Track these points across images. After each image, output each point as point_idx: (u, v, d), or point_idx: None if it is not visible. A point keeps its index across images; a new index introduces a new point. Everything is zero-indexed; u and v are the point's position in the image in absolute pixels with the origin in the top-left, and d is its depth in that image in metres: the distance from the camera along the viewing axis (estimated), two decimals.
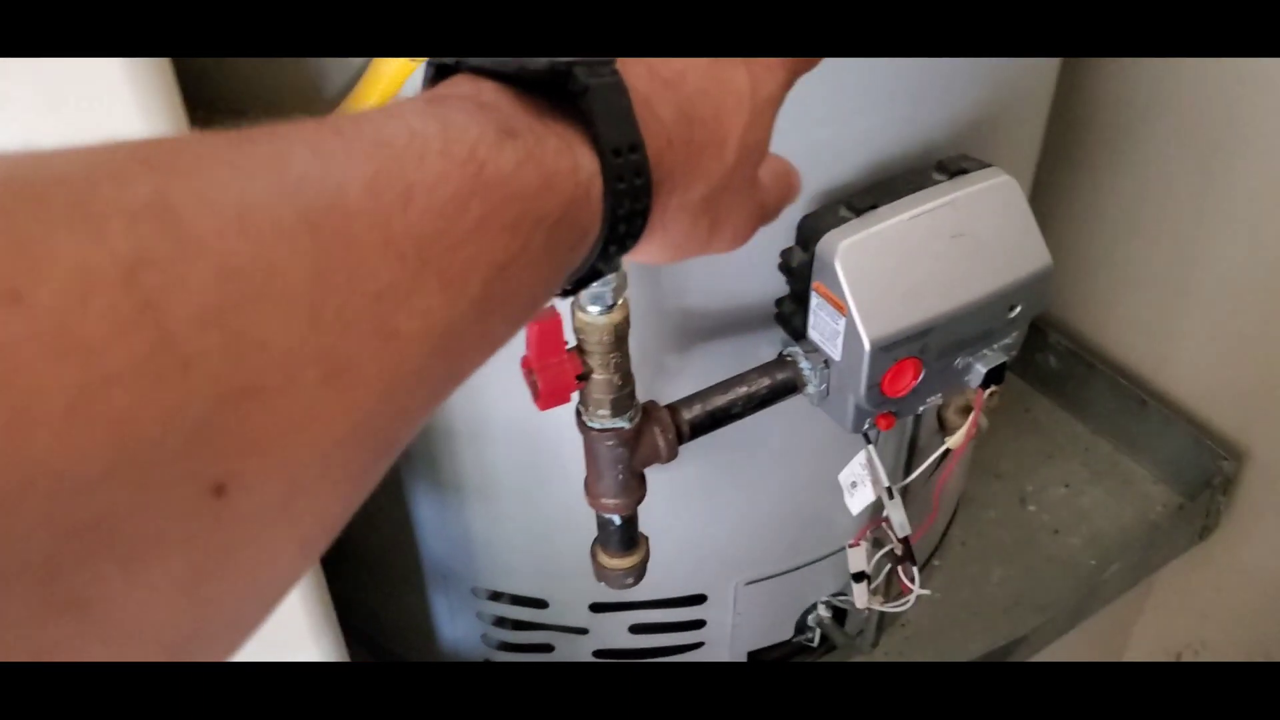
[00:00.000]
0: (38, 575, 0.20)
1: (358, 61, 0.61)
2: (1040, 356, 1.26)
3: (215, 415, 0.22)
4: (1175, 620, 1.32)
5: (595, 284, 0.55)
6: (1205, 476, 1.14)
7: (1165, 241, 1.13)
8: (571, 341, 0.59)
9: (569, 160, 0.33)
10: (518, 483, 0.81)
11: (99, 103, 0.45)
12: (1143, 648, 1.38)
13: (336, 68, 0.63)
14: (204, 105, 0.54)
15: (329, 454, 0.26)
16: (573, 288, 0.39)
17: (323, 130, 0.28)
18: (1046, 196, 1.14)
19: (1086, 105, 1.12)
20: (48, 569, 0.20)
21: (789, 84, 0.43)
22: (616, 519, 0.68)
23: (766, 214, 0.46)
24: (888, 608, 0.86)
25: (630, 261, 0.59)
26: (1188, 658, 1.33)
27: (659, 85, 0.37)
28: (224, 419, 0.22)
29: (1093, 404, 1.23)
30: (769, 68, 0.41)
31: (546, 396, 0.59)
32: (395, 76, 0.58)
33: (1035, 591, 1.10)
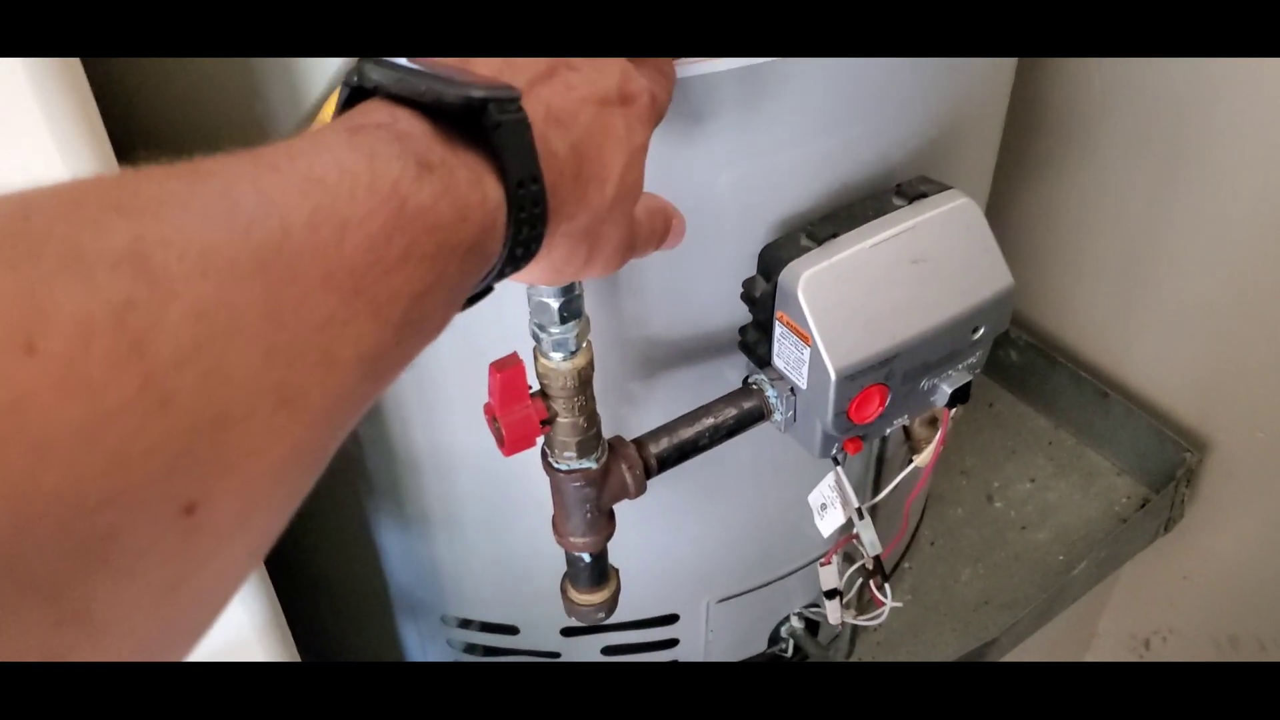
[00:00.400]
0: (49, 590, 0.23)
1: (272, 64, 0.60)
2: (1002, 352, 1.26)
3: (191, 443, 0.25)
4: (1143, 608, 1.33)
5: (558, 331, 0.54)
6: (1169, 468, 1.15)
7: (1123, 236, 1.13)
8: (535, 386, 0.59)
9: (479, 192, 0.35)
10: (484, 514, 0.80)
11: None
12: (1112, 636, 1.39)
13: (260, 75, 0.61)
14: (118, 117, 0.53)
15: (278, 472, 0.28)
16: (468, 304, 0.41)
17: (260, 167, 0.30)
18: (1005, 195, 1.14)
19: (1043, 104, 1.12)
20: (56, 585, 0.23)
21: (650, 134, 0.47)
22: (586, 556, 0.67)
23: (636, 247, 0.50)
24: (861, 621, 0.86)
25: (592, 292, 0.58)
26: (1155, 645, 1.34)
27: (554, 123, 0.40)
28: (197, 447, 0.25)
29: (1055, 398, 1.24)
30: (639, 118, 0.45)
31: (512, 444, 0.58)
32: None
33: (1004, 590, 1.11)
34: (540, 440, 0.61)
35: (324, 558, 0.94)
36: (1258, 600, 1.20)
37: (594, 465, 0.62)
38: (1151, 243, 1.12)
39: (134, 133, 0.58)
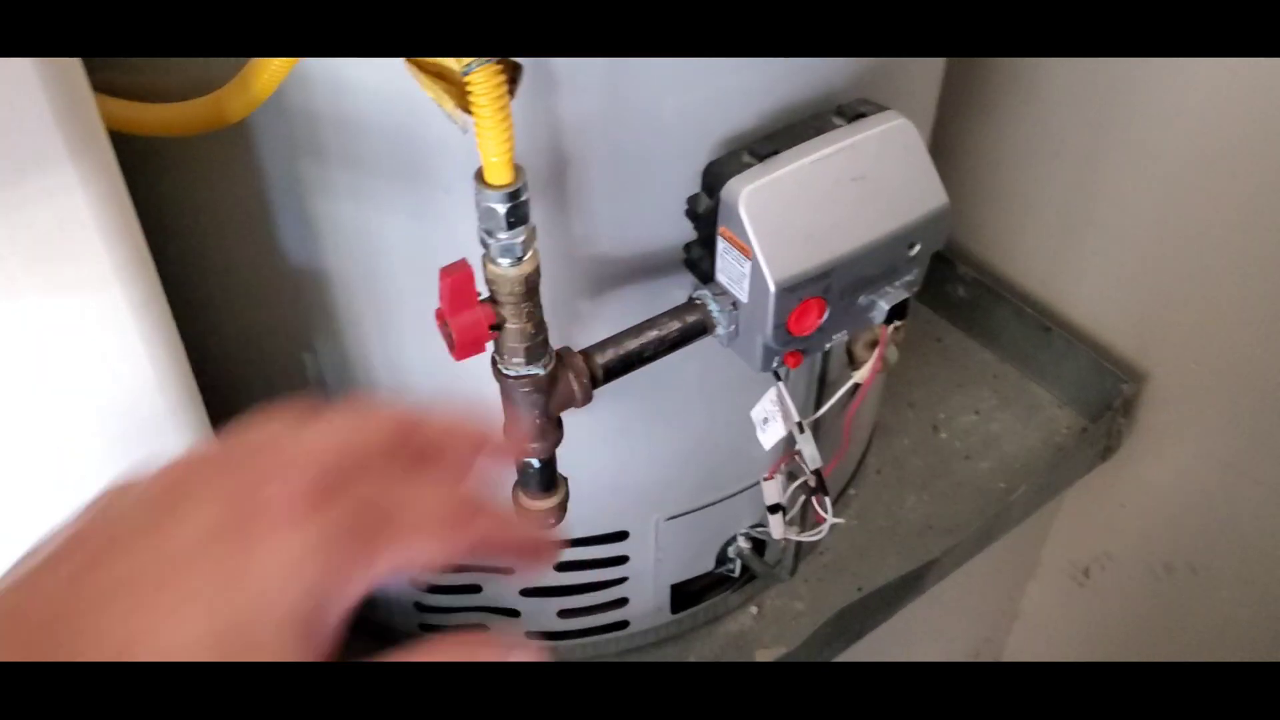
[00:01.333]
0: None
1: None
2: (950, 287, 1.30)
3: None
4: (1082, 536, 1.37)
5: (505, 236, 0.57)
6: (1106, 399, 1.19)
7: (1065, 174, 1.16)
8: (484, 292, 0.61)
9: None
10: None
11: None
12: (1054, 564, 1.44)
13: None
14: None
15: None
16: None
17: None
18: (951, 131, 1.17)
19: None
20: None
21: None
22: (535, 462, 0.70)
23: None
24: (803, 537, 0.89)
25: (539, 212, 0.60)
26: (1095, 572, 1.39)
27: None
28: None
29: (999, 333, 1.28)
30: None
31: (462, 347, 0.60)
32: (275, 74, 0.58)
33: (947, 515, 1.15)
34: (490, 347, 0.63)
35: None
36: (1189, 527, 1.25)
37: (541, 371, 0.64)
38: (1092, 181, 1.15)
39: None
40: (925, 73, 0.85)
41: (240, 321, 0.82)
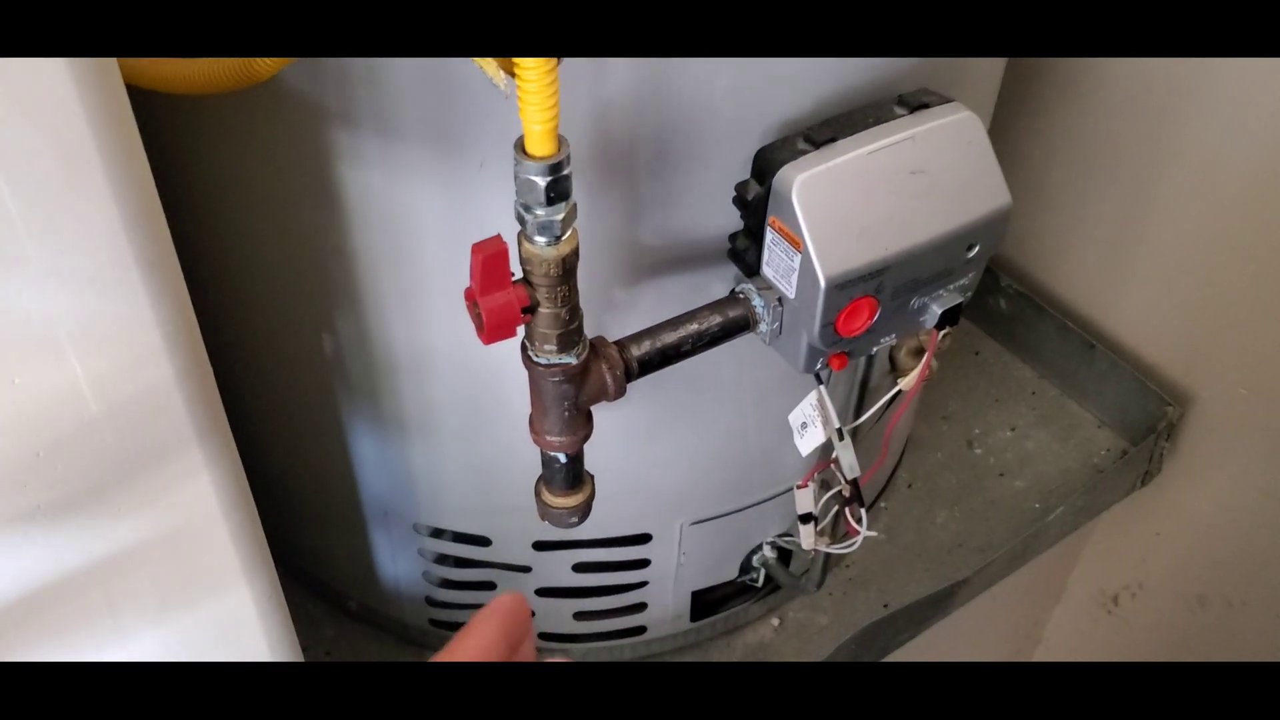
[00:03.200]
0: None
1: None
2: (991, 299, 1.25)
3: None
4: (1114, 563, 1.33)
5: (543, 212, 0.53)
6: (1150, 422, 1.14)
7: (1120, 186, 1.12)
8: (518, 273, 0.57)
9: None
10: (460, 418, 0.79)
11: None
12: (1082, 590, 1.39)
13: None
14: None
15: None
16: None
17: None
18: (1003, 137, 1.12)
19: None
20: None
21: None
22: (562, 457, 0.66)
23: None
24: (834, 549, 0.85)
25: (577, 193, 0.57)
26: (1125, 601, 1.35)
27: None
28: None
29: (1041, 348, 1.23)
30: None
31: (491, 330, 0.57)
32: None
33: (978, 534, 1.11)
34: (520, 332, 0.60)
35: (297, 463, 0.92)
36: (1228, 559, 1.20)
37: (574, 360, 0.61)
38: (1147, 194, 1.10)
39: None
40: (987, 69, 0.81)
41: (257, 296, 0.79)
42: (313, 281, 0.73)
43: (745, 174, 0.64)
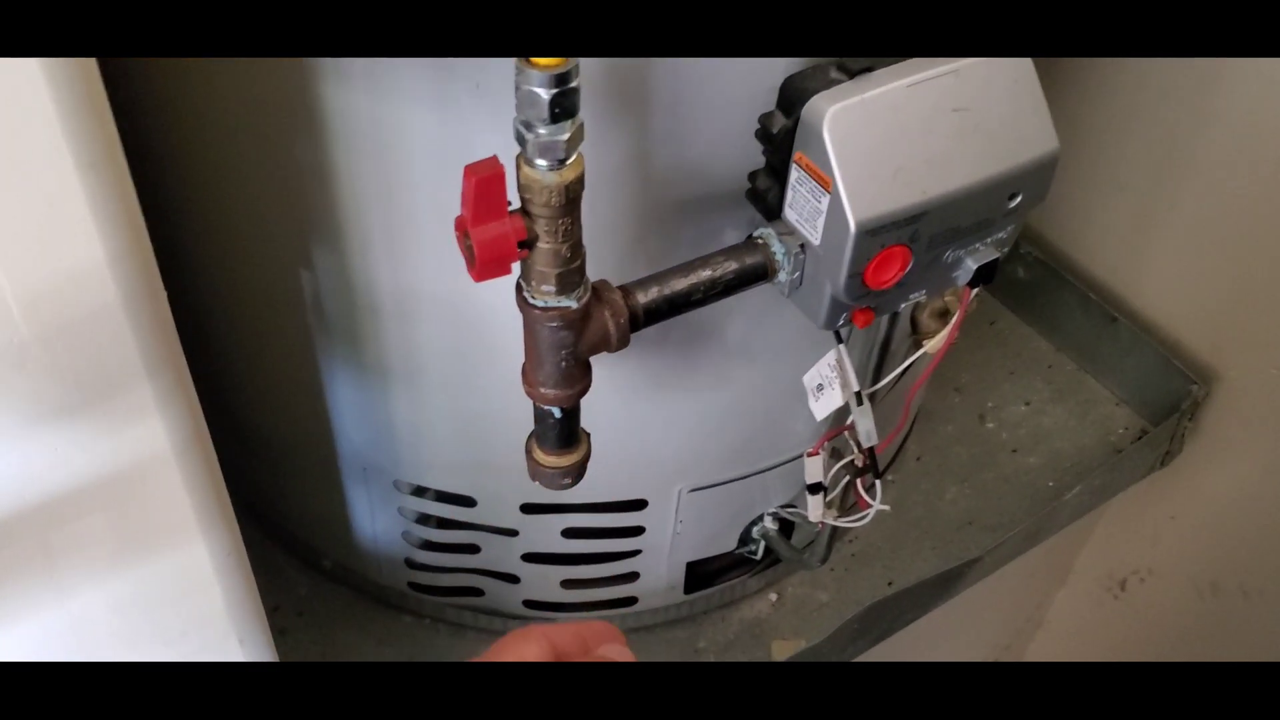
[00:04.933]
0: None
1: None
2: (1009, 267, 1.19)
3: None
4: (1124, 546, 1.28)
5: (546, 131, 0.47)
6: (1172, 400, 1.09)
7: (1153, 150, 1.06)
8: (515, 203, 0.51)
9: None
10: (446, 366, 0.73)
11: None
12: (1087, 572, 1.34)
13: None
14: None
15: None
16: None
17: None
18: None
19: None
20: None
21: None
22: (556, 411, 0.60)
23: None
24: (843, 522, 0.80)
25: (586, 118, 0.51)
26: (1133, 586, 1.30)
27: None
28: None
29: (1060, 319, 1.18)
30: None
31: (483, 266, 0.51)
32: None
33: (989, 512, 1.05)
34: (516, 270, 0.54)
35: (271, 410, 0.86)
36: (1246, 546, 1.15)
37: (574, 305, 0.55)
38: (1183, 160, 1.04)
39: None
40: None
41: (228, 225, 0.72)
42: (290, 211, 0.67)
43: (770, 104, 0.58)
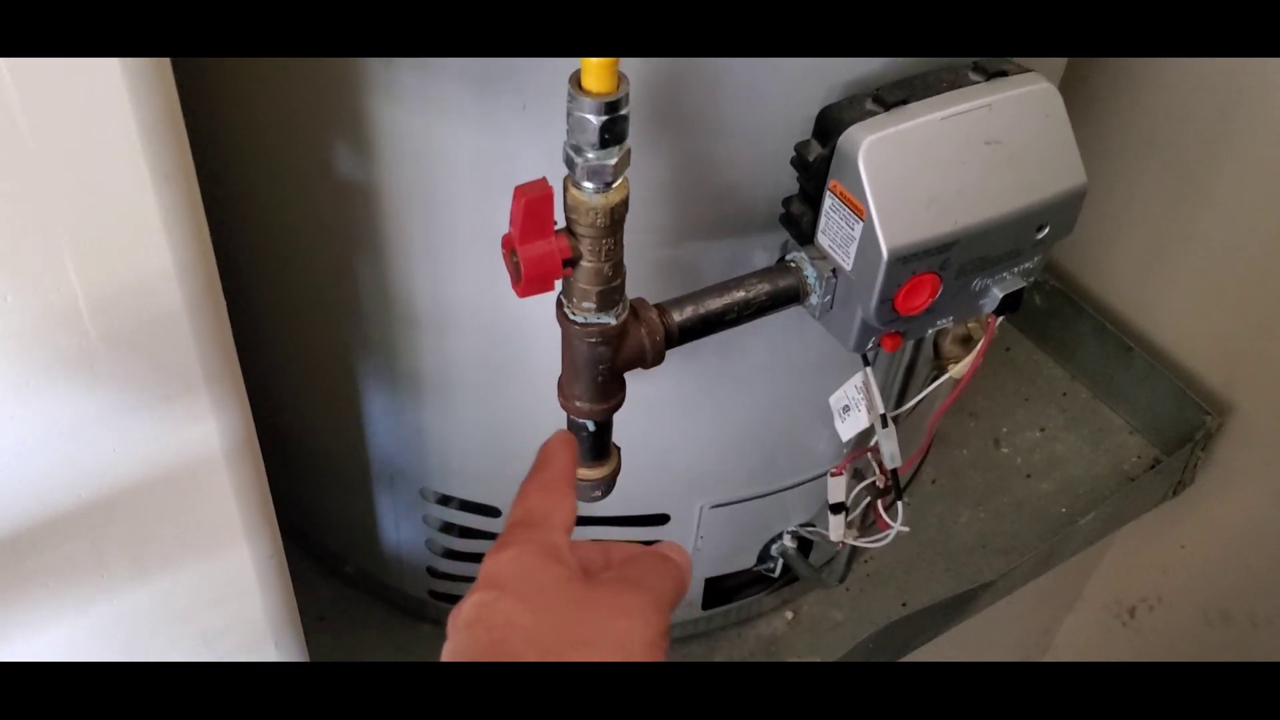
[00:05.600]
0: None
1: None
2: (1026, 296, 1.20)
3: None
4: (1134, 574, 1.29)
5: (595, 155, 0.49)
6: (1185, 430, 1.10)
7: (1171, 183, 1.08)
8: (561, 222, 0.53)
9: None
10: (479, 378, 0.74)
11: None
12: (1096, 599, 1.35)
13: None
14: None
15: None
16: None
17: None
18: None
19: None
20: None
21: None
22: (590, 425, 0.62)
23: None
24: (864, 543, 0.81)
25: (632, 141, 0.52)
26: (1141, 614, 1.30)
27: None
28: None
29: (1075, 347, 1.19)
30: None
31: (529, 282, 0.52)
32: None
33: (1002, 536, 1.07)
34: (557, 287, 0.55)
35: (303, 416, 0.88)
36: (1257, 575, 1.16)
37: (612, 321, 0.56)
38: (1198, 194, 1.06)
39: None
40: None
41: (275, 233, 0.74)
42: (335, 221, 0.69)
43: (805, 134, 0.60)
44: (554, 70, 0.49)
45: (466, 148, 0.61)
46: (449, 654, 0.45)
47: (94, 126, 0.37)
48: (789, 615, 0.99)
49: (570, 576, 0.46)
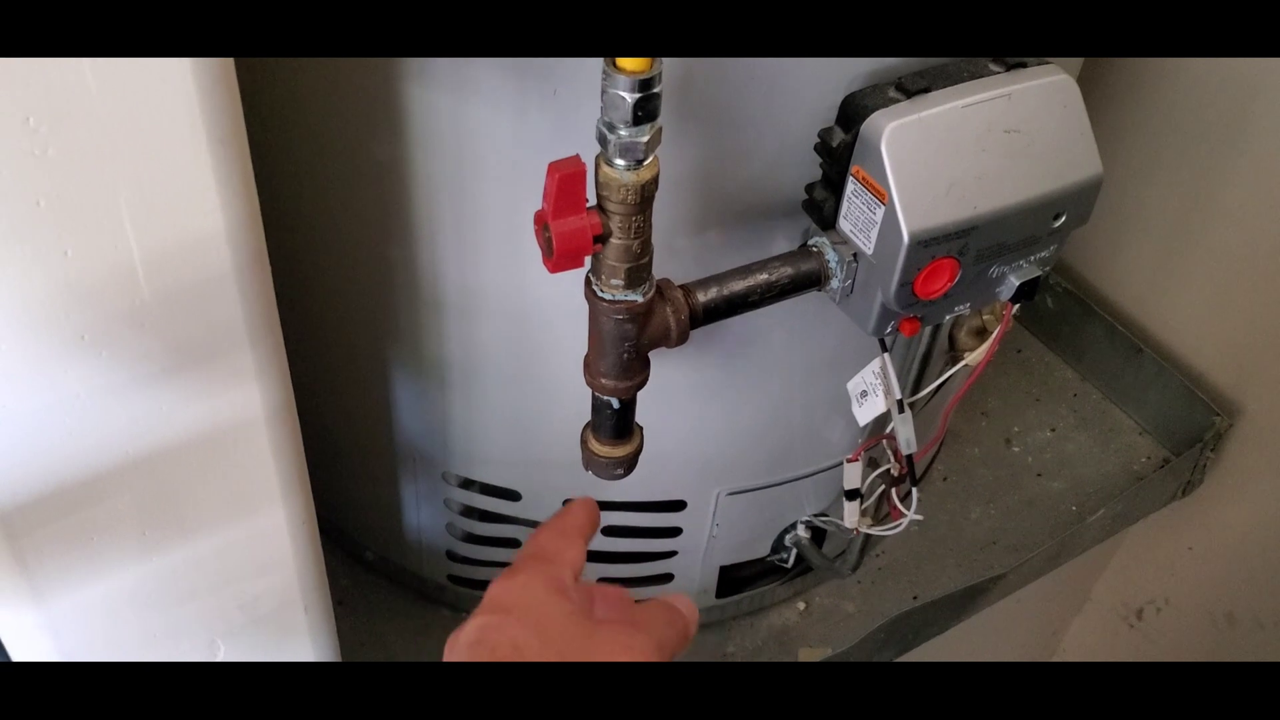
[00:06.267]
0: None
1: None
2: (1038, 298, 1.22)
3: None
4: (1142, 575, 1.30)
5: (628, 132, 0.50)
6: (1195, 432, 1.11)
7: (1182, 186, 1.09)
8: (592, 199, 0.54)
9: None
10: (504, 362, 0.76)
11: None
12: (1104, 601, 1.36)
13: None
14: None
15: None
16: None
17: None
18: None
19: None
20: None
21: None
22: (615, 402, 0.63)
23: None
24: (877, 530, 0.82)
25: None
26: (1149, 615, 1.31)
27: None
28: None
29: (1086, 349, 1.20)
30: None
31: (560, 257, 0.54)
32: None
33: (1013, 532, 1.08)
34: (586, 264, 0.57)
35: (329, 399, 0.89)
36: (1263, 577, 1.17)
37: (639, 299, 0.58)
38: (1209, 198, 1.07)
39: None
40: None
41: (306, 215, 0.75)
42: (366, 207, 0.70)
43: (829, 120, 0.61)
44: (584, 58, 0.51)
45: (497, 132, 0.63)
46: None
47: (155, 89, 0.39)
48: (801, 606, 1.00)
49: (576, 611, 0.48)
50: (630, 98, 0.49)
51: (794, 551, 0.94)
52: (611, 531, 0.87)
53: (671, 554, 0.90)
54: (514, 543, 0.89)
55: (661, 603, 0.52)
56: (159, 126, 0.39)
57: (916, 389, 0.77)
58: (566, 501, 0.59)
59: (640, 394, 0.65)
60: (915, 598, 1.01)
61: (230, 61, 0.42)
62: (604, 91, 0.50)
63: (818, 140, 0.62)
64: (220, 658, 0.60)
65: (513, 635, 0.45)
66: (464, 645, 0.46)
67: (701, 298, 0.61)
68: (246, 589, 0.58)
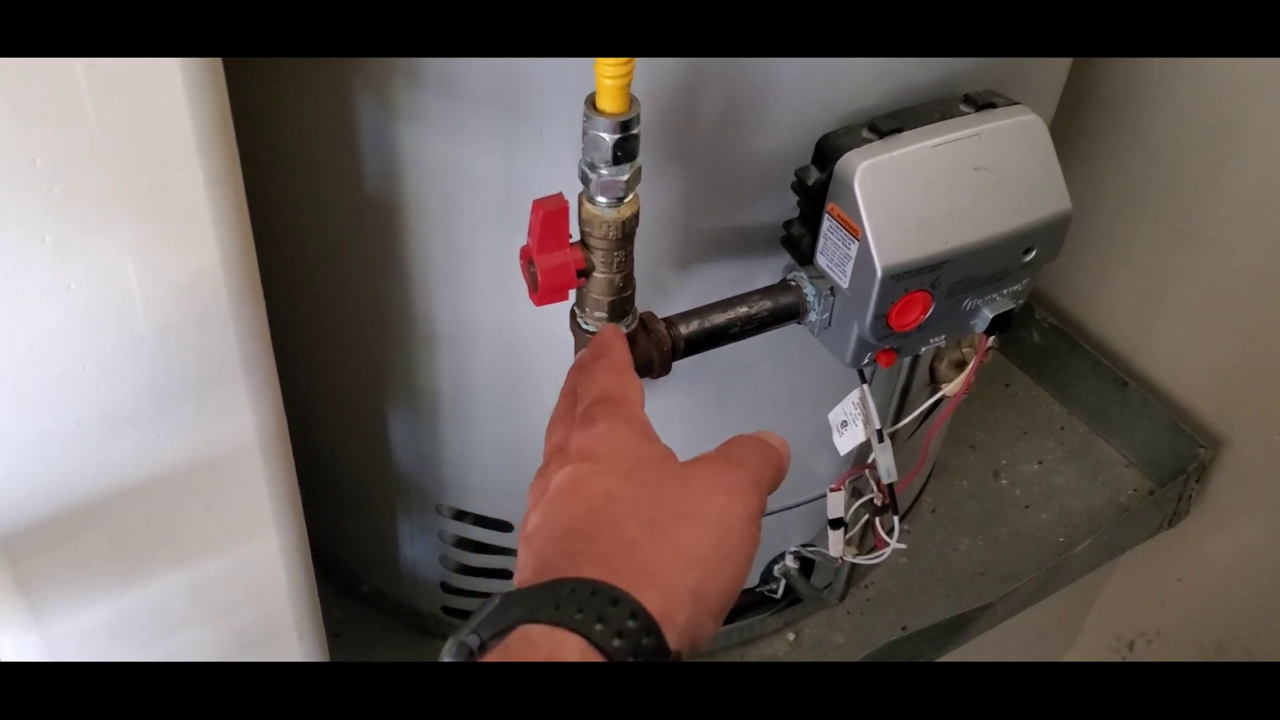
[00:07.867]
0: None
1: None
2: (1024, 332, 1.24)
3: None
4: (1132, 607, 1.31)
5: (608, 171, 0.52)
6: (1180, 463, 1.13)
7: (1163, 223, 1.11)
8: (576, 236, 0.57)
9: None
10: (495, 396, 0.78)
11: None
12: (1096, 634, 1.37)
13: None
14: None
15: None
16: None
17: None
18: None
19: (1098, 81, 1.10)
20: None
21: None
22: None
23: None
24: (862, 559, 0.84)
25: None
26: (1140, 647, 1.32)
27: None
28: None
29: (1072, 383, 1.22)
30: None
31: (545, 291, 0.56)
32: None
33: (1001, 563, 1.09)
34: (571, 298, 0.59)
35: (321, 434, 0.91)
36: (1251, 608, 1.18)
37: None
38: (1191, 233, 1.10)
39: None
40: (1047, 78, 0.80)
41: (299, 253, 0.78)
42: (359, 241, 0.73)
43: (805, 160, 0.64)
44: (569, 98, 0.53)
45: (486, 170, 0.65)
46: (532, 526, 0.45)
47: (155, 131, 0.41)
48: (791, 637, 1.02)
49: (665, 454, 0.48)
50: (610, 138, 0.51)
51: (783, 582, 0.95)
52: None
53: None
54: (505, 573, 0.91)
55: (755, 438, 0.51)
56: (158, 166, 0.41)
57: (897, 419, 0.79)
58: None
59: None
60: (904, 628, 1.03)
61: (226, 101, 0.44)
62: (585, 132, 0.52)
63: (794, 179, 0.64)
64: None
65: (606, 484, 0.44)
66: (555, 494, 0.45)
67: (683, 330, 0.63)
68: (241, 616, 0.59)
